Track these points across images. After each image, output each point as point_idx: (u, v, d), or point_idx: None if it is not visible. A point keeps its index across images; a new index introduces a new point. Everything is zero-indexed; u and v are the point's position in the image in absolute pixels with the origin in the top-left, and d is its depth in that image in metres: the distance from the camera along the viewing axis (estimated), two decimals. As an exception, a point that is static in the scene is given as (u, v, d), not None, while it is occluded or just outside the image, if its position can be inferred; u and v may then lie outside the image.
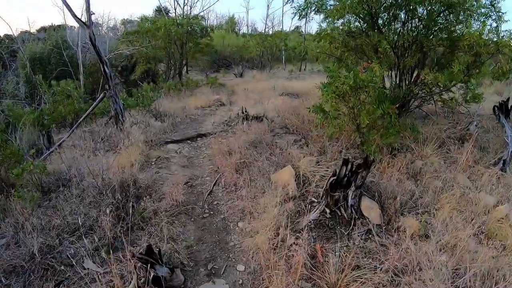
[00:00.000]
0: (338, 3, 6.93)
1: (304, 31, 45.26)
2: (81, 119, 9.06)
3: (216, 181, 5.75)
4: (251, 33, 28.89)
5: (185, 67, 27.28)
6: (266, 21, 36.76)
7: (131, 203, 4.50)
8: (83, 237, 4.06)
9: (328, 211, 4.33)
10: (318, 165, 5.45)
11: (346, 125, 6.06)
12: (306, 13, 9.75)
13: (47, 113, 10.08)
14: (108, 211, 4.23)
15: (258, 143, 6.75)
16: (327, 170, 5.20)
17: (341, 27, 7.92)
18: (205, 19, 22.98)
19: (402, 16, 7.12)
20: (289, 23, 62.35)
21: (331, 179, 4.32)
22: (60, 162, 6.10)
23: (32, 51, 17.82)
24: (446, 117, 8.53)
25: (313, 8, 9.40)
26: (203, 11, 23.19)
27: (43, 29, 30.03)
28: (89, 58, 19.44)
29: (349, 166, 4.25)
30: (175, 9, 19.71)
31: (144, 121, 9.19)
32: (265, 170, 5.43)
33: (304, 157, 5.79)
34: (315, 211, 4.38)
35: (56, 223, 4.32)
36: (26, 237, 3.94)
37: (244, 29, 47.88)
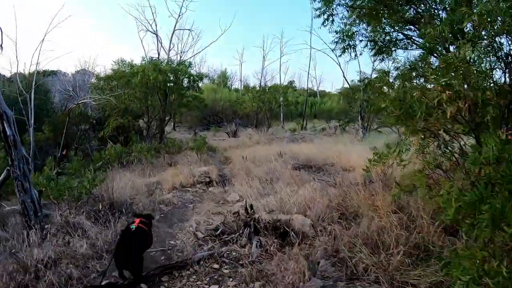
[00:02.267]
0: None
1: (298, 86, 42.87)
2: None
3: None
4: (246, 86, 25.57)
5: (172, 124, 23.90)
6: (262, 74, 33.89)
7: None
8: None
9: None
10: None
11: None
12: (350, 45, 6.25)
13: None
14: None
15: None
16: None
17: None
18: (194, 67, 19.60)
19: None
20: (282, 78, 59.84)
21: None
22: None
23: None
24: None
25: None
26: (192, 57, 19.83)
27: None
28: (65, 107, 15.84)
29: None
30: (158, 52, 16.18)
31: (75, 224, 5.18)
32: None
33: None
34: None
35: None
36: None
37: (236, 84, 45.21)
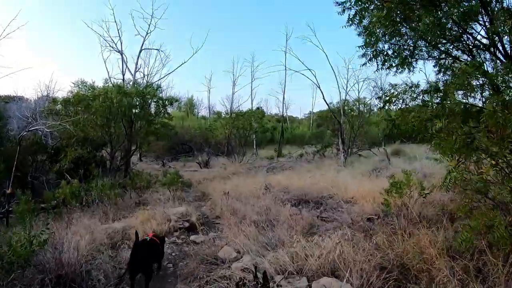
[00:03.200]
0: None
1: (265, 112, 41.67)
2: None
3: None
4: (218, 112, 23.94)
5: (138, 154, 21.93)
6: (232, 99, 32.57)
7: None
8: None
9: None
10: None
11: None
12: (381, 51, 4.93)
13: None
14: None
15: None
16: None
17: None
18: (162, 91, 17.72)
19: None
20: (250, 104, 58.29)
21: None
22: None
23: None
24: None
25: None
26: (160, 79, 18.09)
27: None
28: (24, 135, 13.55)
29: None
30: (123, 74, 14.42)
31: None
32: None
33: None
34: None
35: None
36: None
37: (203, 112, 43.65)
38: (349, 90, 22.59)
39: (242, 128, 20.15)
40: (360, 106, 22.68)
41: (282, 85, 40.59)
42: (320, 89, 20.28)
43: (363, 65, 5.17)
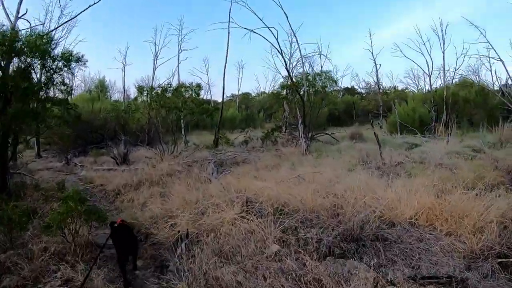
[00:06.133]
0: None
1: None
2: None
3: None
4: (140, 87, 17.90)
5: (35, 148, 16.20)
6: (153, 77, 27.06)
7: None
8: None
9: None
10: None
11: None
12: None
13: None
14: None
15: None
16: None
17: None
18: (56, 45, 11.57)
19: None
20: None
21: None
22: None
23: None
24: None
25: None
26: (58, 27, 12.33)
27: None
28: None
29: None
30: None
31: None
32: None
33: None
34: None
35: None
36: None
37: (116, 96, 36.77)
38: (293, 67, 18.94)
39: (174, 108, 14.56)
40: (325, 81, 18.77)
41: (205, 64, 35.67)
42: (282, 55, 15.81)
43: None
